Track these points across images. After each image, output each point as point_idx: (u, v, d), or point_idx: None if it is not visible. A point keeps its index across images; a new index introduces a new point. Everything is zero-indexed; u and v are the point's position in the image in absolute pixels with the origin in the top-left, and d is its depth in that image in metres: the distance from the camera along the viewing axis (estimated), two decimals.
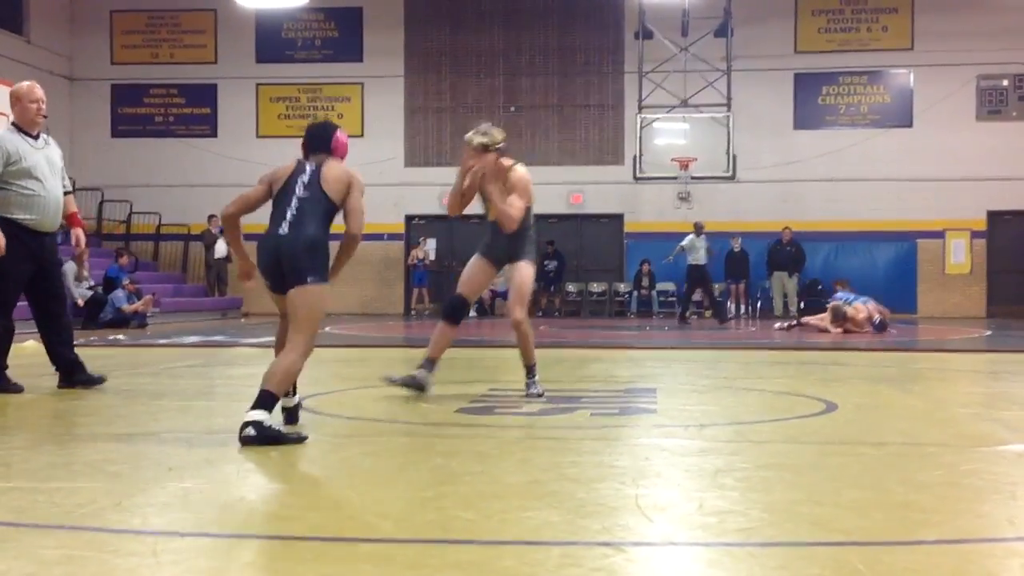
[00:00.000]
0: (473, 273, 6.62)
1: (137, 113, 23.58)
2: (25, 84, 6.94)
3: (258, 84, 23.41)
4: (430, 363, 6.53)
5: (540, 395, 6.51)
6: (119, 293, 16.69)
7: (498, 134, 6.47)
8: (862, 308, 15.23)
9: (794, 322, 16.54)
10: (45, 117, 6.90)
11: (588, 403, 6.41)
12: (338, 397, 6.75)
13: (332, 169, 5.25)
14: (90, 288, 16.82)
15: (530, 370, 6.63)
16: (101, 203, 22.61)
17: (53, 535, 3.03)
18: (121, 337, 13.48)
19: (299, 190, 5.24)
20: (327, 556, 2.85)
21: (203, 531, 3.11)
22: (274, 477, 4.24)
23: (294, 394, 5.29)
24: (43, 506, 3.44)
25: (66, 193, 7.06)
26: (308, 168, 5.30)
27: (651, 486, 3.80)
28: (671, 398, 6.83)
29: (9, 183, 6.58)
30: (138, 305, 16.72)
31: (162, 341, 12.79)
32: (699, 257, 19.00)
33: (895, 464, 4.40)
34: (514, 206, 6.35)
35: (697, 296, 22.17)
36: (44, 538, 3.00)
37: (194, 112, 23.58)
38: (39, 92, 6.87)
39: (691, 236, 19.10)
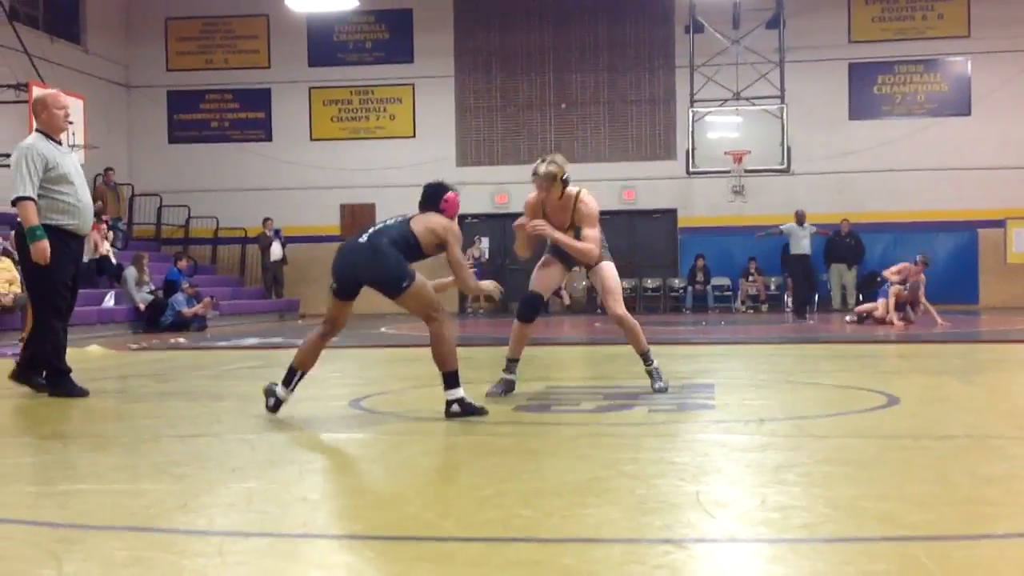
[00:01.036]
0: (546, 271, 6.58)
1: (193, 119, 23.90)
2: (51, 92, 7.07)
3: (311, 87, 23.62)
4: (513, 363, 6.54)
5: (665, 390, 6.45)
6: (179, 296, 16.92)
7: (564, 163, 6.34)
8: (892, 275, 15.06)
9: (864, 315, 16.11)
10: (71, 123, 6.99)
11: (645, 400, 6.37)
12: (396, 396, 6.79)
13: (431, 217, 5.63)
14: (150, 292, 17.08)
15: (645, 358, 6.59)
16: (160, 208, 22.94)
17: (121, 537, 3.08)
18: (181, 340, 13.67)
19: (389, 220, 5.71)
20: (389, 555, 2.87)
21: (268, 531, 3.15)
22: (335, 477, 4.28)
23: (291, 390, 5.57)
24: (110, 508, 3.49)
25: None
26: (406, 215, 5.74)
27: (712, 482, 3.78)
28: (730, 393, 6.78)
29: (49, 189, 6.65)
30: (197, 308, 16.94)
31: (222, 343, 12.95)
32: (802, 246, 18.43)
33: (960, 457, 4.34)
34: (588, 240, 6.30)
35: (752, 289, 22.00)
36: (112, 540, 3.05)
37: (248, 116, 23.84)
38: (64, 99, 7.00)
39: (791, 224, 18.55)
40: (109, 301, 16.77)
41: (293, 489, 3.80)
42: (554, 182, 6.25)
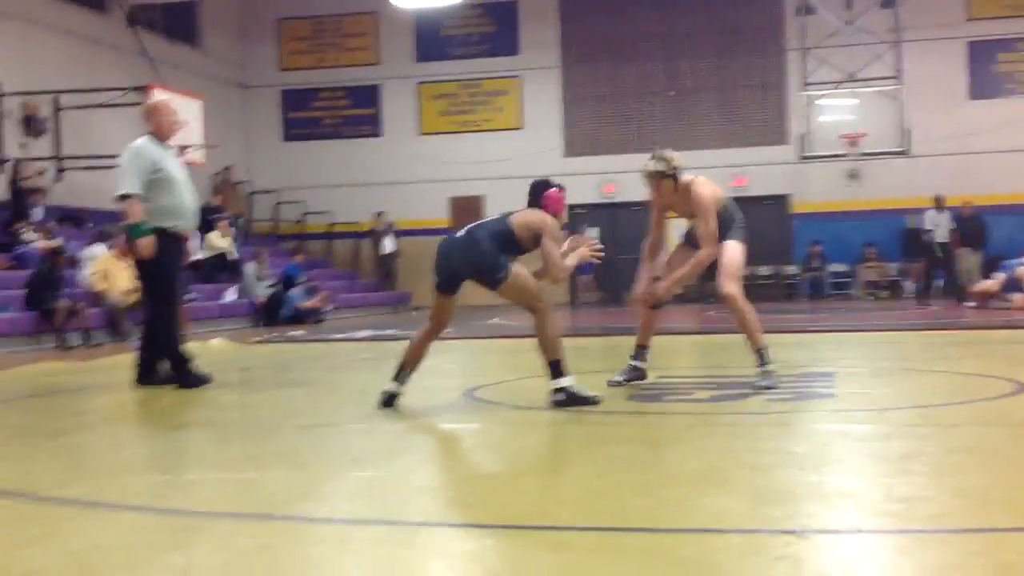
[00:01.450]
0: (677, 257, 6.50)
1: (306, 117, 24.36)
2: (162, 99, 7.33)
3: (418, 83, 23.85)
4: (641, 351, 6.49)
5: (771, 387, 5.92)
6: (296, 291, 17.29)
7: (673, 157, 6.18)
8: None
9: (982, 299, 15.55)
10: (180, 128, 7.20)
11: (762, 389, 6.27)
12: (508, 387, 6.82)
13: (529, 212, 5.67)
14: (269, 287, 17.49)
15: (760, 355, 6.12)
16: (277, 205, 23.47)
17: (247, 524, 3.16)
18: (300, 332, 13.96)
19: (491, 217, 5.81)
20: (507, 543, 2.88)
21: (388, 519, 3.19)
22: (452, 466, 4.32)
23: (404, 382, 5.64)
24: (236, 496, 3.59)
25: None
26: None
27: (833, 472, 3.70)
28: (849, 382, 6.63)
29: (155, 191, 6.85)
30: (315, 301, 17.28)
31: (338, 336, 13.19)
32: (941, 234, 17.95)
33: None
34: (704, 239, 6.14)
35: (872, 275, 21.47)
36: (239, 526, 3.13)
37: (359, 113, 24.20)
38: (174, 107, 7.30)
39: (931, 211, 18.11)
40: (230, 296, 17.23)
41: (411, 478, 3.85)
42: (662, 179, 6.16)
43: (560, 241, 5.67)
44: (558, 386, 5.40)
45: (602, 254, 5.88)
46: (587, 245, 5.87)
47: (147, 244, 6.74)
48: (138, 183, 6.77)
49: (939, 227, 17.76)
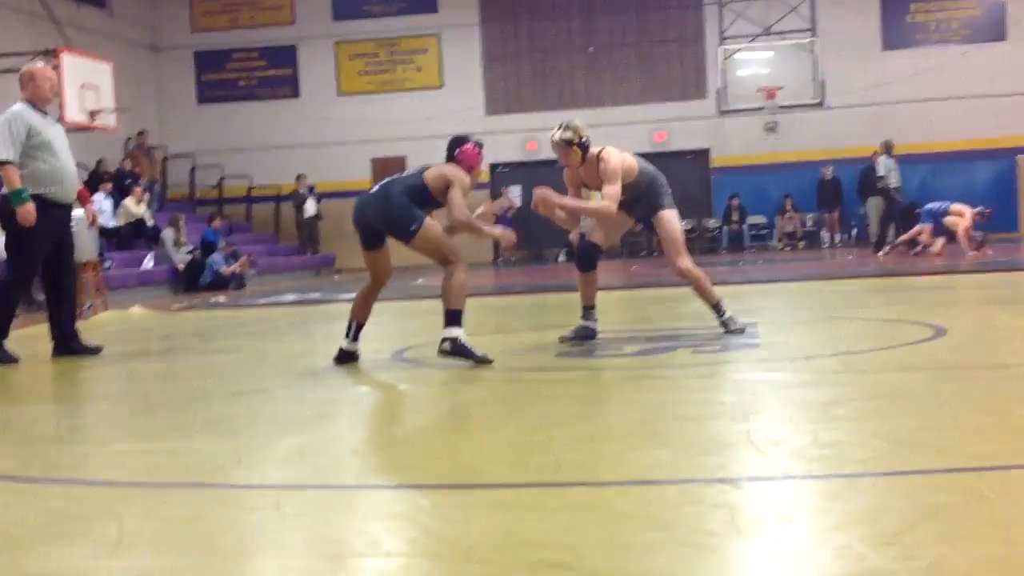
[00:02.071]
0: (609, 225, 6.51)
1: (221, 79, 23.88)
2: (40, 63, 7.13)
3: (336, 42, 23.50)
4: (588, 311, 6.50)
5: (742, 330, 6.26)
6: (216, 256, 17.02)
7: (581, 127, 6.18)
8: (965, 209, 14.73)
9: (895, 245, 15.84)
10: (58, 95, 7.05)
11: (689, 341, 6.35)
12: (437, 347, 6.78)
13: (444, 166, 5.66)
14: (188, 253, 17.19)
15: (716, 308, 6.41)
16: (192, 170, 23.00)
17: (179, 493, 3.11)
18: (221, 299, 13.77)
19: (406, 171, 5.82)
20: (444, 503, 2.88)
21: (322, 483, 3.17)
22: (385, 428, 4.30)
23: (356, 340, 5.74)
24: (167, 465, 3.53)
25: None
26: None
27: (761, 421, 3.76)
28: (773, 332, 6.74)
29: (33, 157, 6.74)
30: (235, 267, 17.05)
31: (261, 301, 13.03)
32: (895, 178, 17.35)
33: (1015, 387, 4.29)
34: (607, 197, 6.14)
35: (789, 227, 21.80)
36: (171, 496, 3.08)
37: (276, 74, 23.79)
38: (52, 72, 7.08)
39: (882, 157, 17.86)
40: (148, 263, 16.90)
41: (344, 441, 3.83)
42: (569, 148, 6.15)
43: (466, 191, 5.65)
44: (450, 335, 5.39)
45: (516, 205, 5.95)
46: (507, 237, 5.97)
47: (28, 211, 6.62)
48: (13, 150, 6.65)
49: (891, 172, 17.59)
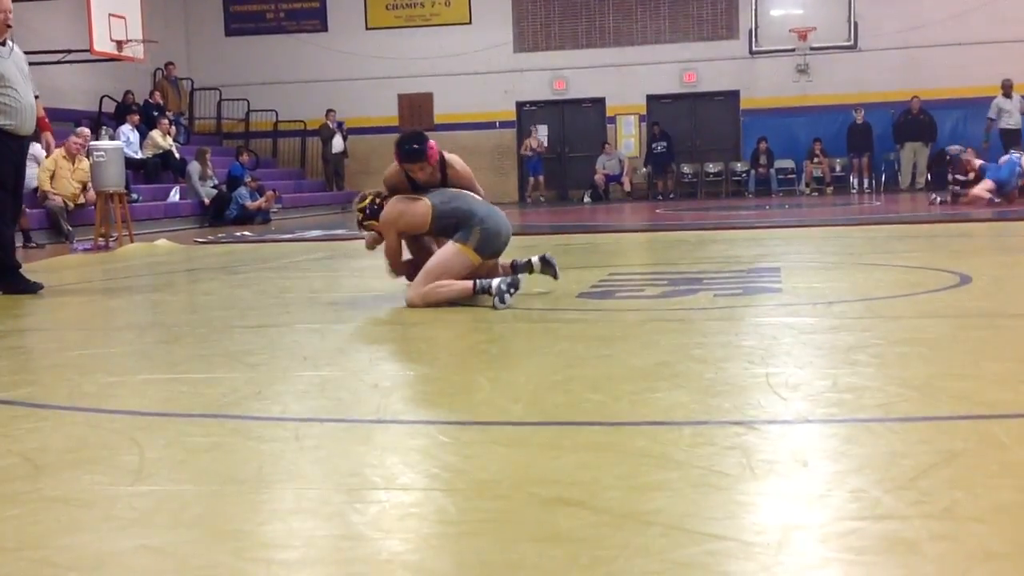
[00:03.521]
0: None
1: (248, 11, 23.75)
2: None
3: None
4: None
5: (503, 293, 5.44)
6: (242, 191, 17.06)
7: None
8: None
9: (954, 194, 14.72)
10: (10, 27, 6.96)
11: (710, 284, 6.33)
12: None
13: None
14: (214, 187, 17.23)
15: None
16: (219, 103, 22.99)
17: (200, 423, 3.15)
18: (247, 233, 13.82)
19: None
20: (462, 439, 2.90)
21: (342, 417, 3.20)
22: (405, 364, 4.32)
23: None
24: (187, 396, 3.57)
25: (35, 97, 7.16)
26: None
27: (781, 365, 3.75)
28: (796, 276, 6.70)
29: None
30: (261, 202, 17.09)
31: (286, 236, 13.07)
32: (1014, 121, 16.68)
33: None
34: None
35: (818, 171, 21.61)
36: (191, 426, 3.12)
37: (304, 7, 23.63)
38: (7, 3, 6.94)
39: (999, 98, 17.25)
40: (174, 196, 16.97)
41: (364, 376, 3.85)
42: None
43: (393, 185, 5.78)
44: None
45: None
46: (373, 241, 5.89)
47: None
48: None
49: (1010, 113, 16.73)
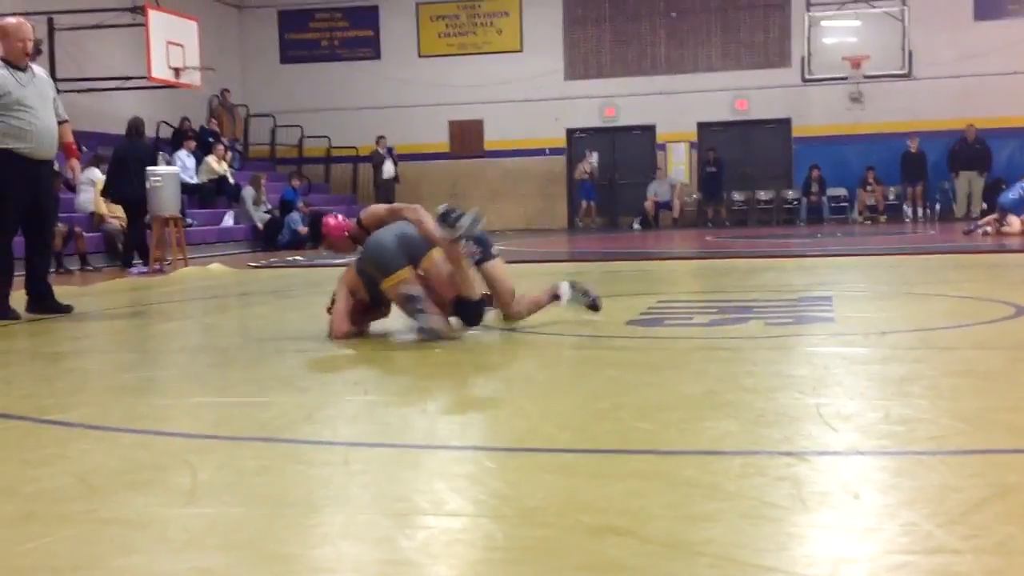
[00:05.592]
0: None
1: (304, 39, 24.06)
2: (13, 20, 7.08)
3: (418, 3, 23.51)
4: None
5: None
6: (295, 215, 17.24)
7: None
8: None
9: (993, 226, 14.57)
10: (33, 55, 7.03)
11: (761, 312, 6.29)
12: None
13: None
14: (267, 212, 17.43)
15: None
16: (274, 129, 23.27)
17: (251, 447, 3.18)
18: (299, 258, 13.95)
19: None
20: (509, 465, 2.90)
21: (390, 442, 3.21)
22: (453, 390, 4.34)
23: None
24: (239, 419, 3.61)
25: (61, 123, 7.21)
26: None
27: (832, 395, 3.72)
28: (849, 305, 6.64)
29: (4, 114, 6.78)
30: None
31: (337, 261, 13.16)
32: None
33: None
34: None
35: (871, 199, 21.38)
36: (242, 449, 3.15)
37: (358, 35, 23.89)
38: (27, 31, 7.02)
39: None
40: (228, 221, 17.20)
41: (412, 401, 3.87)
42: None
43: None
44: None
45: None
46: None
47: None
48: None
49: None
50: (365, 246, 5.54)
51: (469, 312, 5.56)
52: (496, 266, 5.66)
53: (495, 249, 5.70)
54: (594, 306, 5.79)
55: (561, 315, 5.84)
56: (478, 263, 5.54)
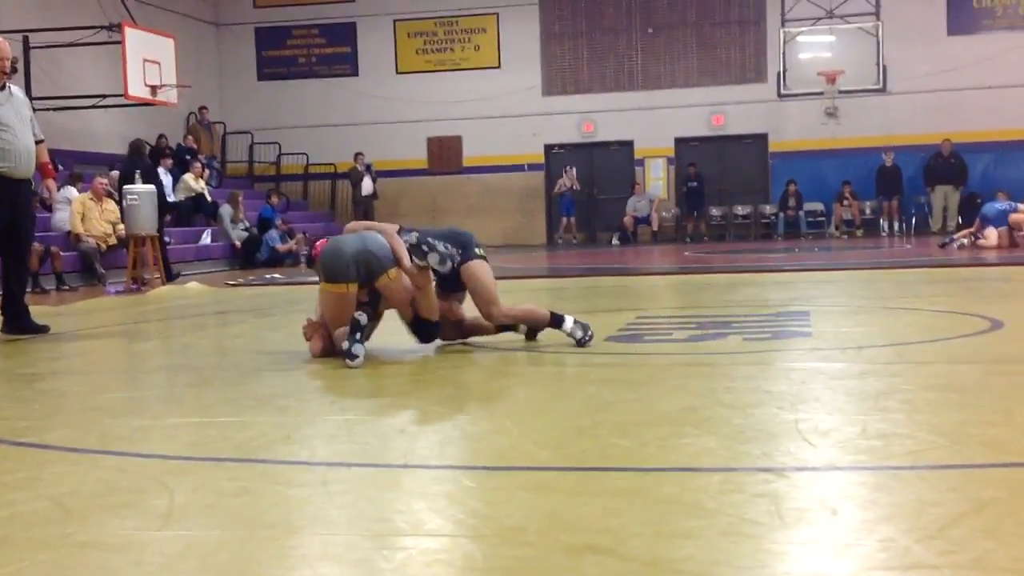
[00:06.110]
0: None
1: (281, 55, 24.05)
2: None
3: (395, 20, 23.55)
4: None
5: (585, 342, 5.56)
6: (273, 233, 17.21)
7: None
8: None
9: (969, 239, 14.78)
10: (10, 73, 7.00)
11: (740, 328, 6.32)
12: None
13: None
14: (245, 229, 17.38)
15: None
16: (251, 146, 23.23)
17: (228, 468, 3.17)
18: (277, 276, 13.91)
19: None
20: (488, 484, 2.90)
21: (369, 462, 3.21)
22: (432, 408, 4.33)
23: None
24: (217, 440, 3.59)
25: (37, 142, 7.19)
26: None
27: (810, 410, 3.73)
28: (826, 320, 6.67)
29: None
30: (291, 244, 17.21)
31: (316, 278, 13.12)
32: None
33: None
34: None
35: (847, 214, 21.50)
36: (220, 470, 3.14)
37: (335, 52, 23.90)
38: (5, 50, 6.99)
39: None
40: (206, 239, 17.13)
41: (391, 421, 3.86)
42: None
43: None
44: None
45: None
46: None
47: None
48: None
49: None
50: (324, 248, 5.55)
51: (424, 330, 5.60)
52: (477, 266, 5.62)
53: (481, 250, 5.67)
54: (581, 344, 5.58)
55: (542, 333, 5.83)
56: (459, 264, 5.54)
